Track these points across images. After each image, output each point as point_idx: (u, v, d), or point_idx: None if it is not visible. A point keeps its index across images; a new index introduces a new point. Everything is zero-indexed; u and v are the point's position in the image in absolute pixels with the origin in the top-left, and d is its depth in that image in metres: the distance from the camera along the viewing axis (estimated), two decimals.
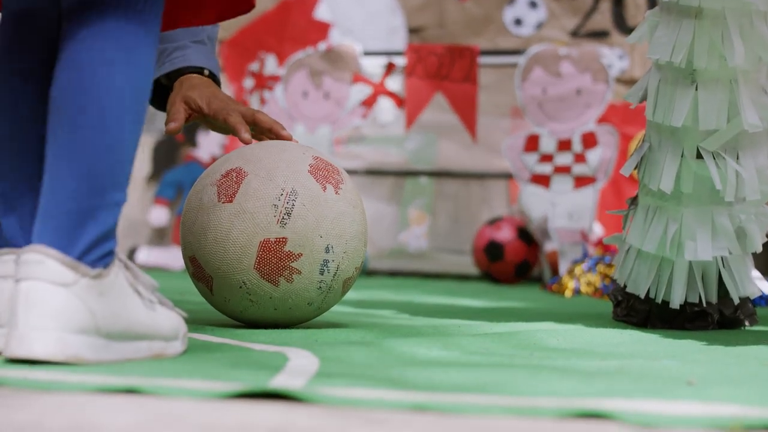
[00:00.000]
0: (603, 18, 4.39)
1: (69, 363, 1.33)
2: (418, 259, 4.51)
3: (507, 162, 4.03)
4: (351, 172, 4.21)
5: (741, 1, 2.08)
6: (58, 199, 1.38)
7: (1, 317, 1.46)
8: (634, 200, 2.29)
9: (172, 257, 4.45)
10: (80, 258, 1.36)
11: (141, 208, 4.62)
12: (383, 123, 4.52)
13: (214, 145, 4.65)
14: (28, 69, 1.52)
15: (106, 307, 1.38)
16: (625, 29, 4.33)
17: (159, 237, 4.65)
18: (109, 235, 1.40)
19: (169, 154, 4.69)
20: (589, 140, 3.89)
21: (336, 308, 2.38)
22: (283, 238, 1.85)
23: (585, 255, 3.59)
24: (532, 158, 3.94)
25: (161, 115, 2.46)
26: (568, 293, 3.34)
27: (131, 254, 4.54)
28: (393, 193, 4.64)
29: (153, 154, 4.71)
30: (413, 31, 4.60)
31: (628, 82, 4.26)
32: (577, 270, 3.40)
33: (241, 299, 1.89)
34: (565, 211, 3.87)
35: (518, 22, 4.46)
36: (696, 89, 2.12)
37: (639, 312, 2.22)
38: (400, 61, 4.17)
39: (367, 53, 4.25)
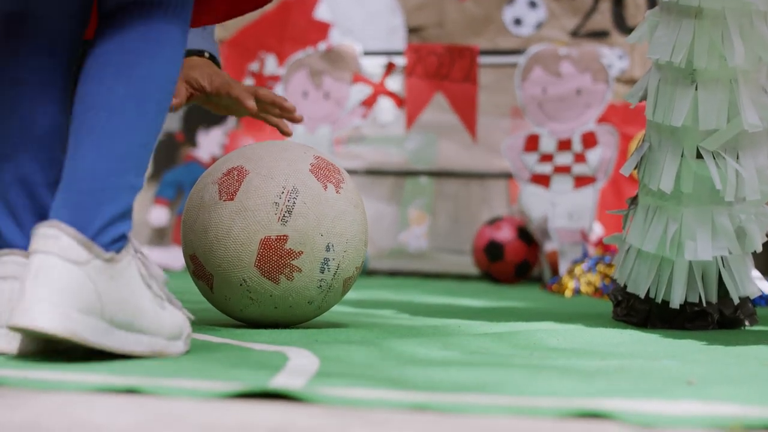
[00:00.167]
0: (603, 18, 4.39)
1: (69, 340, 1.32)
2: (418, 259, 4.51)
3: (507, 162, 4.03)
4: (351, 172, 4.21)
5: (741, 1, 2.08)
6: (78, 176, 1.39)
7: (0, 317, 1.46)
8: (634, 200, 2.29)
9: (172, 257, 4.45)
10: (94, 238, 1.37)
11: (141, 208, 4.62)
12: (383, 123, 4.52)
13: (214, 145, 4.65)
14: (22, 74, 1.53)
15: (115, 293, 1.38)
16: (625, 29, 4.33)
17: (159, 237, 4.65)
18: (125, 216, 1.42)
19: (169, 154, 4.69)
20: (589, 140, 3.89)
21: (336, 308, 2.38)
22: (283, 235, 1.85)
23: (585, 255, 3.59)
24: (532, 158, 3.94)
25: None
26: (568, 293, 3.34)
27: None
28: (393, 193, 4.64)
29: (153, 154, 4.71)
30: (413, 30, 4.60)
31: (628, 82, 4.26)
32: (577, 270, 3.40)
33: (241, 297, 1.89)
34: (565, 211, 3.87)
35: (518, 22, 4.46)
36: (696, 89, 2.12)
37: (639, 312, 2.22)
38: (400, 61, 4.17)
39: (367, 53, 4.25)
